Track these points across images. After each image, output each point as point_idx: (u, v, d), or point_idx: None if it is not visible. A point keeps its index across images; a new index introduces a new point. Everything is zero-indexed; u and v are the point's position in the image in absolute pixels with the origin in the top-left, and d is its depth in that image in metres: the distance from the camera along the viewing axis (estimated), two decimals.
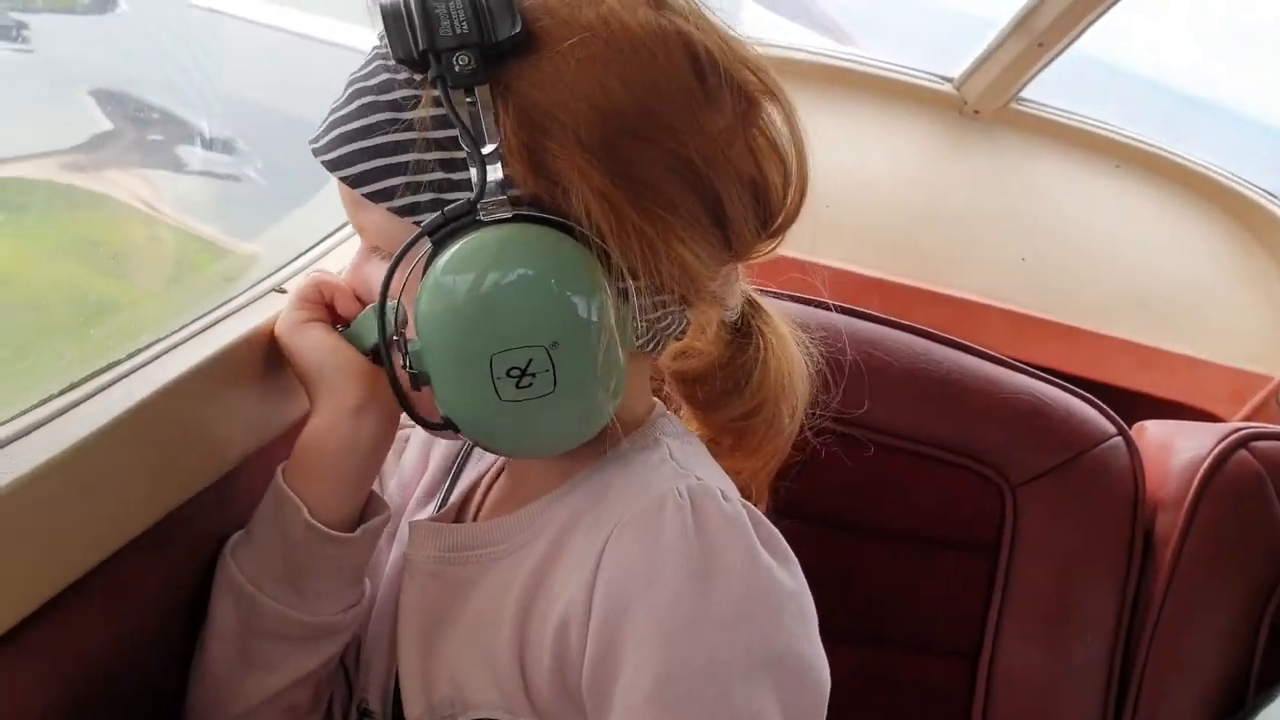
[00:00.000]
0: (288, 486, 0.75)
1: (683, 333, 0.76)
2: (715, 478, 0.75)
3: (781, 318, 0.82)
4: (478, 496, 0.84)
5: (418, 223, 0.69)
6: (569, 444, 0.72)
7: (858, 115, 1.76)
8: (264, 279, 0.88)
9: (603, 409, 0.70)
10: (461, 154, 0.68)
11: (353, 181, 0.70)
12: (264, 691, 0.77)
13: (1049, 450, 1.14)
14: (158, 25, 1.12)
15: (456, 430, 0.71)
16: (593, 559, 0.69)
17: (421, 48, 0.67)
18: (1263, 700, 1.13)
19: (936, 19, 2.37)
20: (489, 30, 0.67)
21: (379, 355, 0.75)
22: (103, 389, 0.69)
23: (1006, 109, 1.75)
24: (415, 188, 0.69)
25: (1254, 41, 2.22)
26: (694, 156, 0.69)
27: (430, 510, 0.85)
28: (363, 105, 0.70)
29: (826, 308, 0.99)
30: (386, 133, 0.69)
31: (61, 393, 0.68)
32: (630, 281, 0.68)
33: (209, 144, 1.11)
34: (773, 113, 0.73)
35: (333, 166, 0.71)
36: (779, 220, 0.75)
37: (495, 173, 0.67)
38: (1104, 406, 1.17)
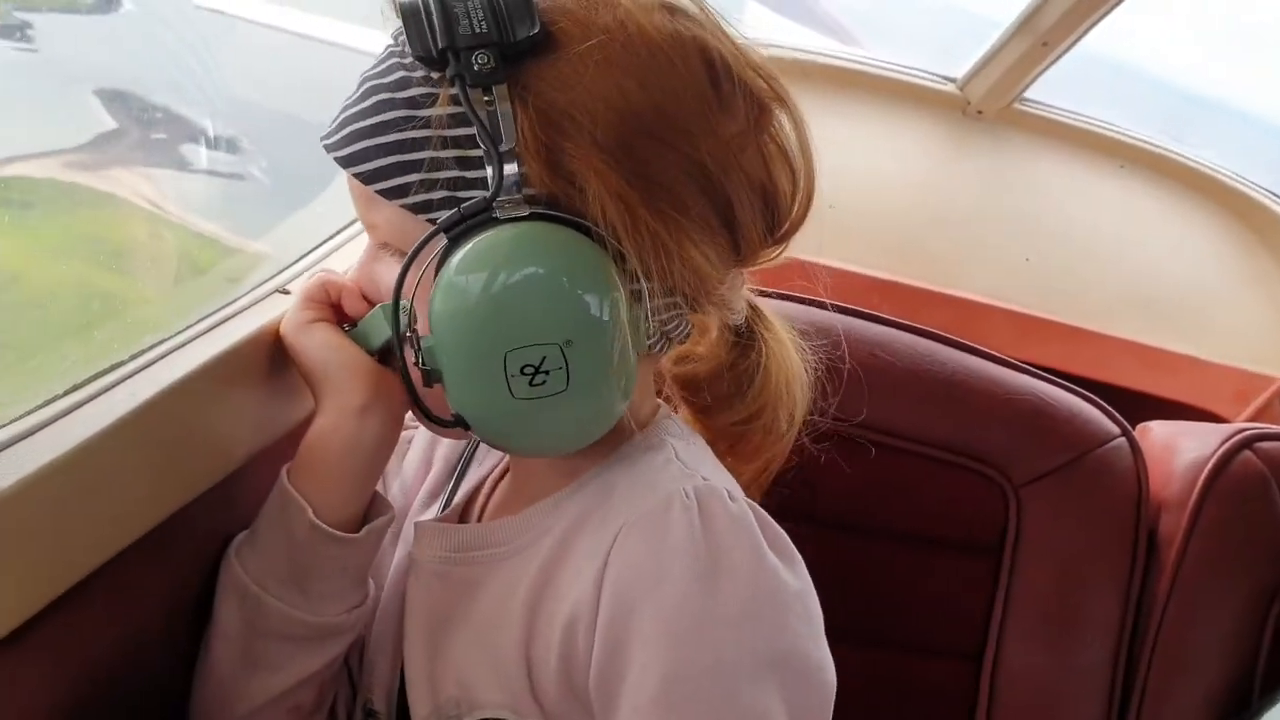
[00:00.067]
0: (292, 487, 0.75)
1: (686, 336, 0.77)
2: (721, 478, 0.75)
3: (782, 324, 0.83)
4: (481, 497, 0.84)
5: (431, 220, 0.69)
6: (579, 443, 0.72)
7: (861, 116, 1.76)
8: (270, 279, 0.88)
9: (613, 409, 0.70)
10: (477, 152, 0.68)
11: (366, 178, 0.71)
12: (268, 692, 0.77)
13: (1052, 451, 1.13)
14: (162, 25, 1.12)
15: (466, 428, 0.71)
16: (600, 559, 0.69)
17: (440, 46, 0.67)
18: (1267, 702, 1.12)
19: (940, 17, 2.37)
20: (507, 30, 0.67)
21: (385, 355, 0.75)
22: (107, 389, 0.69)
23: (1010, 109, 1.75)
24: (429, 185, 0.69)
25: (1254, 41, 2.22)
26: (707, 160, 0.70)
27: (434, 511, 0.85)
28: (378, 102, 0.70)
29: (829, 309, 0.99)
30: (402, 129, 0.69)
31: (66, 393, 0.68)
32: (644, 282, 0.68)
33: (213, 143, 1.11)
34: (783, 119, 0.74)
35: (346, 163, 0.71)
36: (785, 226, 0.76)
37: (512, 171, 0.67)
38: (1107, 407, 1.17)
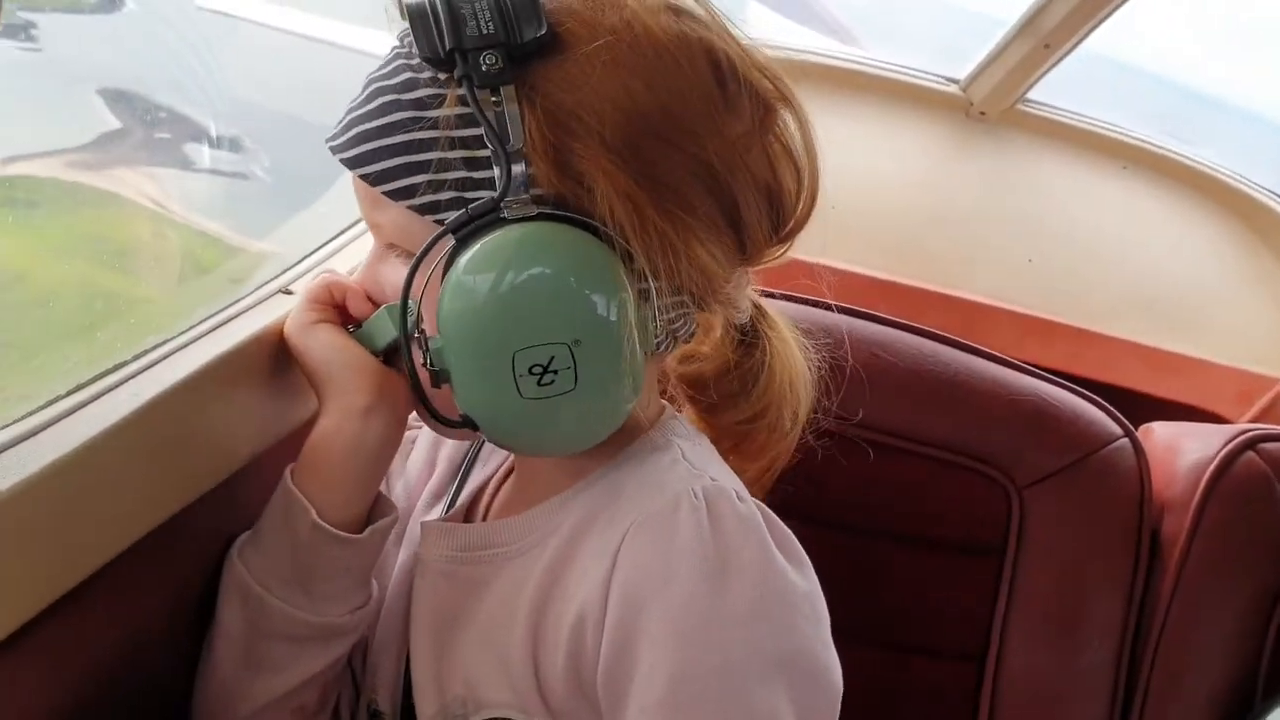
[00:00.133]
0: (295, 487, 0.75)
1: (691, 335, 0.77)
2: (728, 478, 0.75)
3: (785, 323, 0.83)
4: (486, 497, 0.84)
5: (438, 221, 0.69)
6: (586, 443, 0.72)
7: (864, 117, 1.76)
8: (273, 279, 0.88)
9: (621, 408, 0.71)
10: (484, 153, 0.68)
11: (374, 179, 0.71)
12: (271, 692, 0.77)
13: (1055, 452, 1.13)
14: (164, 25, 1.12)
15: (474, 429, 0.71)
16: (608, 559, 0.69)
17: (448, 47, 0.67)
18: (1271, 704, 1.12)
19: (942, 16, 2.37)
20: (514, 31, 0.67)
21: (390, 356, 0.75)
22: (110, 389, 0.69)
23: (1013, 110, 1.75)
24: (437, 186, 0.70)
25: (1253, 39, 2.22)
26: (714, 160, 0.70)
27: (438, 512, 0.85)
28: (384, 104, 0.71)
29: (831, 310, 0.99)
30: (409, 131, 0.70)
31: (69, 393, 0.68)
32: (651, 282, 0.69)
33: (216, 142, 1.11)
34: (788, 119, 0.74)
35: (353, 164, 0.71)
36: (790, 225, 0.76)
37: (519, 172, 0.67)
38: (1110, 408, 1.17)
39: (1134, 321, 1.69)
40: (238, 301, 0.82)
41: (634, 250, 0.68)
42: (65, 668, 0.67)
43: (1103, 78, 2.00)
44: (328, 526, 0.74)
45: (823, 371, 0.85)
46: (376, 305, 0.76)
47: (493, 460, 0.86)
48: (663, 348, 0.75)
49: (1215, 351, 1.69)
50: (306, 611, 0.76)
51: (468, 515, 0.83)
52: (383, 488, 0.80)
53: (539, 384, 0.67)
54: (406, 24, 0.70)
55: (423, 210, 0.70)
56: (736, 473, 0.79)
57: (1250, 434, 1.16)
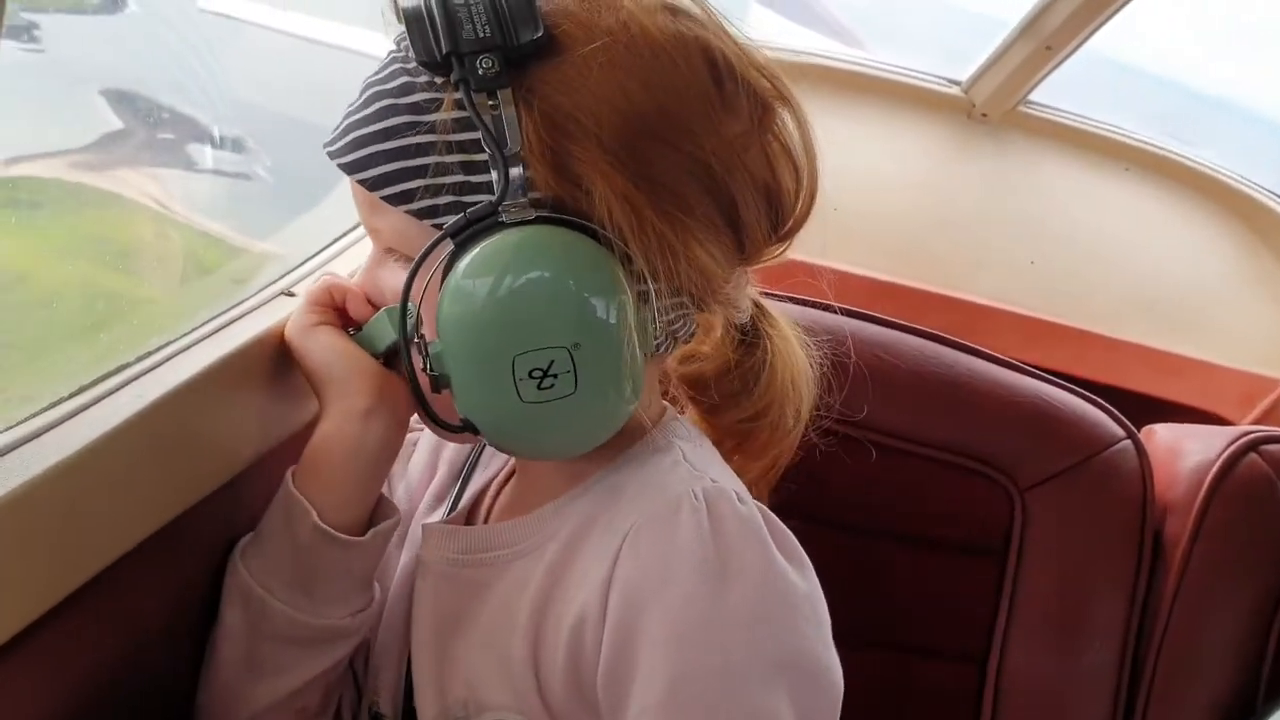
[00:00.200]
0: (297, 490, 0.75)
1: (691, 335, 0.77)
2: (729, 480, 0.75)
3: (786, 321, 0.83)
4: (488, 500, 0.84)
5: (437, 225, 0.69)
6: (587, 446, 0.72)
7: (866, 119, 1.76)
8: (275, 280, 0.88)
9: (621, 410, 0.70)
10: (481, 156, 0.68)
11: (371, 184, 0.71)
12: (273, 694, 0.77)
13: (1058, 453, 1.13)
14: (166, 26, 1.12)
15: (475, 433, 0.71)
16: (608, 560, 0.69)
17: (444, 51, 0.67)
18: (1273, 706, 1.12)
19: (944, 17, 2.37)
20: (511, 34, 0.67)
21: (390, 359, 0.75)
22: (113, 391, 0.69)
23: (1015, 112, 1.75)
24: (435, 190, 0.69)
25: (1255, 40, 2.22)
26: (711, 160, 0.70)
27: (440, 514, 0.85)
28: (381, 108, 0.70)
29: (834, 311, 0.99)
30: (406, 135, 0.69)
31: (71, 395, 0.68)
32: (650, 283, 0.68)
33: (219, 143, 1.11)
34: (786, 118, 0.74)
35: (350, 169, 0.71)
36: (789, 224, 0.76)
37: (517, 175, 0.67)
38: (1113, 410, 1.17)
39: (1136, 323, 1.69)
40: (240, 303, 0.82)
41: (633, 252, 0.68)
42: (67, 670, 0.67)
43: (1105, 79, 2.00)
44: (328, 529, 0.74)
45: (824, 369, 0.85)
46: (376, 308, 0.76)
47: (494, 463, 0.85)
48: (662, 349, 0.75)
49: (1217, 353, 1.69)
50: (308, 614, 0.76)
51: (469, 518, 0.83)
52: (384, 490, 0.80)
53: (539, 388, 0.67)
54: (403, 28, 0.70)
55: (421, 215, 0.70)
56: (739, 472, 0.79)
57: (1253, 436, 1.16)
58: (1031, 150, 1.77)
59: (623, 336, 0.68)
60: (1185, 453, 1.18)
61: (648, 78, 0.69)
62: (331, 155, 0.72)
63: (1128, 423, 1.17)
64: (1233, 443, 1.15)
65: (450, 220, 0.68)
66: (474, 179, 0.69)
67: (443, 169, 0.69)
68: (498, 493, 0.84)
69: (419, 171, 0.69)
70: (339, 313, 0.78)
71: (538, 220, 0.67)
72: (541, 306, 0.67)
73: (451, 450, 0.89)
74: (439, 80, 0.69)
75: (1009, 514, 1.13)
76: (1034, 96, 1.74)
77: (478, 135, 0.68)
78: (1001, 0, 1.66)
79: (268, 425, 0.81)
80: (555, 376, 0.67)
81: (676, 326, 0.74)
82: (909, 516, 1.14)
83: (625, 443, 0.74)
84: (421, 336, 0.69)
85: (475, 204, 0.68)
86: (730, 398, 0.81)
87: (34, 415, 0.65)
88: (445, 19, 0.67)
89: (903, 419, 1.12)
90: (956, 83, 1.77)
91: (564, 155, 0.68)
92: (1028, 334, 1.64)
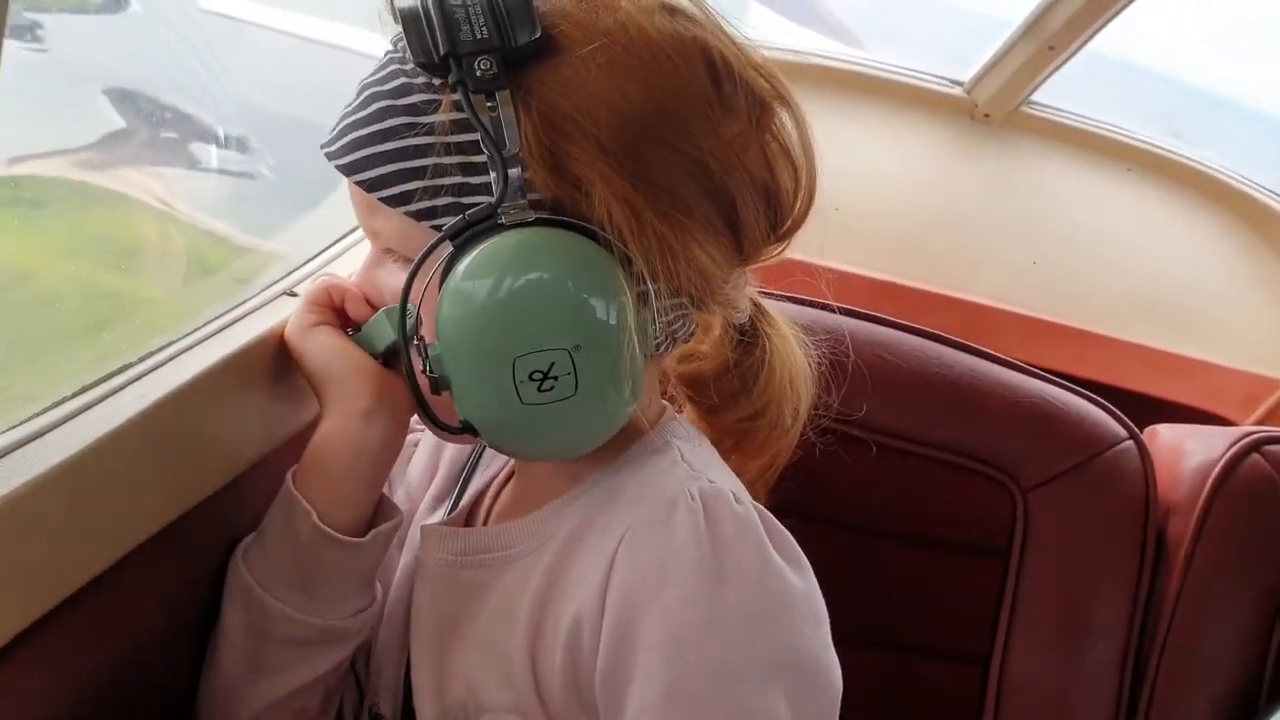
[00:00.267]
0: (297, 491, 0.75)
1: (690, 335, 0.77)
2: (727, 480, 0.75)
3: (785, 320, 0.83)
4: (487, 501, 0.84)
5: (435, 226, 0.69)
6: (587, 447, 0.72)
7: (868, 119, 1.75)
8: (277, 280, 0.88)
9: (621, 412, 0.70)
10: (480, 158, 0.68)
11: (369, 186, 0.70)
12: (273, 695, 0.77)
13: (1060, 454, 1.13)
14: (168, 26, 1.12)
15: (474, 435, 0.71)
16: (605, 561, 0.69)
17: (442, 52, 0.67)
18: (1276, 706, 1.12)
19: (946, 17, 2.37)
20: (509, 35, 0.67)
21: (389, 359, 0.75)
22: (115, 391, 0.69)
23: (1017, 112, 1.75)
24: (433, 192, 0.69)
25: (1260, 39, 2.22)
26: (710, 161, 0.70)
27: (440, 515, 0.85)
28: (379, 110, 0.70)
29: (833, 311, 0.99)
30: (404, 137, 0.69)
31: (74, 395, 0.68)
32: (649, 284, 0.68)
33: (222, 142, 1.11)
34: (784, 118, 0.74)
35: (348, 171, 0.71)
36: (788, 224, 0.76)
37: (516, 176, 0.67)
38: (1115, 410, 1.17)
39: (1138, 323, 1.69)
40: (243, 303, 0.82)
41: (632, 253, 0.68)
42: (69, 670, 0.67)
43: (1108, 79, 1.99)
44: (329, 529, 0.74)
45: (823, 368, 0.85)
46: (375, 309, 0.76)
47: (494, 464, 0.85)
48: (662, 349, 0.74)
49: (1220, 354, 1.69)
50: (308, 614, 0.76)
51: (469, 519, 0.83)
52: (385, 491, 0.79)
53: (539, 390, 0.67)
54: (399, 29, 0.70)
55: (419, 216, 0.70)
56: (738, 472, 0.79)
57: (1255, 436, 1.16)
58: (1034, 151, 1.77)
59: (623, 338, 0.67)
60: (1188, 453, 1.18)
61: (646, 78, 0.68)
62: (329, 156, 0.72)
63: (1130, 423, 1.17)
64: (1235, 443, 1.15)
65: (449, 221, 0.68)
66: (473, 180, 0.69)
67: (441, 170, 0.69)
68: (497, 494, 0.84)
69: (417, 173, 0.69)
70: (338, 313, 0.78)
71: (537, 222, 0.67)
72: (542, 308, 0.67)
73: (452, 451, 0.89)
74: (437, 81, 0.69)
75: (1011, 514, 1.13)
76: (1037, 97, 1.74)
77: (476, 136, 0.68)
78: (1004, 0, 1.66)
79: (270, 425, 0.81)
80: (555, 378, 0.67)
81: (676, 327, 0.74)
82: (909, 516, 1.14)
83: (624, 443, 0.74)
84: (421, 338, 0.69)
85: (474, 205, 0.68)
86: (729, 397, 0.81)
87: (37, 415, 0.65)
88: (443, 20, 0.67)
89: (903, 419, 1.12)
90: (959, 83, 1.77)
91: (562, 156, 0.67)
92: (1029, 334, 1.63)
